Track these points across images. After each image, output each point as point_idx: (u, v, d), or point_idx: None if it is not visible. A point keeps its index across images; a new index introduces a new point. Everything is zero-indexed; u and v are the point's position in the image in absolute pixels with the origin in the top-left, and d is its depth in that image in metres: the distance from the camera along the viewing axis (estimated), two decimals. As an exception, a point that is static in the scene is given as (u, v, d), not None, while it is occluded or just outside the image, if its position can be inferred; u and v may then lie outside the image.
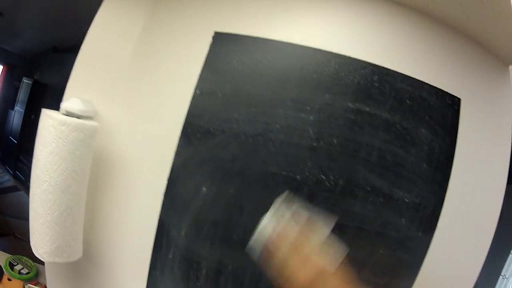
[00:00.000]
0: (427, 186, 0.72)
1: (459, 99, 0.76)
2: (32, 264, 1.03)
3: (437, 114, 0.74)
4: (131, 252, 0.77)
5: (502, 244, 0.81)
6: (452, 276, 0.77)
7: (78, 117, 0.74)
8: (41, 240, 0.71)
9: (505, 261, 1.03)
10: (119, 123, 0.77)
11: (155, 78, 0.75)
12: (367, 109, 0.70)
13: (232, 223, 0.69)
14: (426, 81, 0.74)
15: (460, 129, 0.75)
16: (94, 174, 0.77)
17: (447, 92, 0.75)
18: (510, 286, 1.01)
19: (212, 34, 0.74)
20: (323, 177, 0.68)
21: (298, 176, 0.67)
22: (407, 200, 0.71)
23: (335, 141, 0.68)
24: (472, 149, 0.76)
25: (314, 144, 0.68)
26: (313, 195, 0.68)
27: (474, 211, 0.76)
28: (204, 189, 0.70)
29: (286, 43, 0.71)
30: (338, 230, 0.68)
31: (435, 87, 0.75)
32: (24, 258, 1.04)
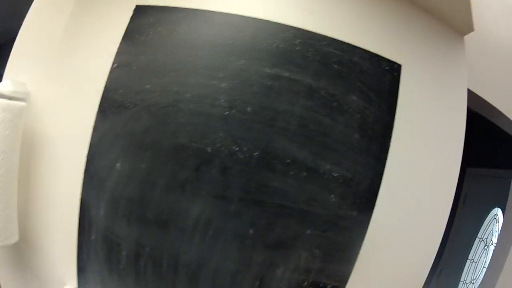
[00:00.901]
0: (360, 159, 0.61)
1: (399, 65, 0.65)
2: None
3: (371, 80, 0.63)
4: (60, 234, 0.73)
5: (468, 229, 0.67)
6: (401, 261, 0.64)
7: (10, 98, 0.73)
8: None
9: (471, 246, 0.86)
10: (47, 102, 0.74)
11: (80, 54, 0.72)
12: (287, 74, 0.62)
13: (146, 201, 0.63)
14: (359, 45, 0.65)
15: (400, 97, 0.64)
16: (25, 156, 0.74)
17: (383, 57, 0.65)
18: (478, 270, 0.84)
19: (133, 7, 0.70)
20: (236, 148, 0.59)
21: (209, 148, 0.60)
22: (335, 174, 0.60)
23: (249, 109, 0.60)
24: (417, 118, 0.64)
25: (226, 113, 0.60)
26: (226, 168, 0.59)
27: (423, 188, 0.64)
28: (118, 165, 0.64)
29: (202, 10, 0.65)
30: (256, 208, 0.59)
31: (369, 52, 0.64)
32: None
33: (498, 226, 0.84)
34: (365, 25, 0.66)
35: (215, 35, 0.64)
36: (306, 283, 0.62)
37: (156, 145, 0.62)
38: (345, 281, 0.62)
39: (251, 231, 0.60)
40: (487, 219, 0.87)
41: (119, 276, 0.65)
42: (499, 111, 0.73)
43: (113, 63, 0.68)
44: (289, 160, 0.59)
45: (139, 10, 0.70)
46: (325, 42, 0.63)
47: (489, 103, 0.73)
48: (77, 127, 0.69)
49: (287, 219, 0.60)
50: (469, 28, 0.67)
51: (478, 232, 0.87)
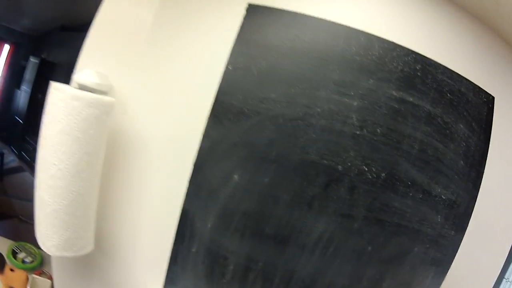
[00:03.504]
0: (462, 184, 0.60)
1: (493, 97, 0.64)
2: (37, 251, 0.80)
3: (474, 110, 0.62)
4: (148, 244, 0.59)
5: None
6: (476, 276, 0.65)
7: (92, 91, 0.55)
8: (48, 231, 0.53)
9: (509, 263, 0.94)
10: (137, 99, 0.58)
11: (178, 49, 0.57)
12: (411, 99, 0.57)
13: (266, 216, 0.53)
14: (465, 76, 0.62)
15: (493, 128, 0.64)
16: (108, 157, 0.58)
17: (482, 89, 0.63)
18: None
19: (245, 6, 0.58)
20: (366, 168, 0.54)
21: (339, 166, 0.53)
22: (444, 197, 0.58)
23: (378, 131, 0.54)
24: (504, 148, 0.65)
25: (358, 132, 0.54)
26: (354, 187, 0.53)
27: (502, 212, 0.65)
28: (235, 176, 0.54)
29: (327, 21, 0.56)
30: (377, 226, 0.55)
31: (473, 83, 0.62)
32: (28, 245, 0.80)
33: None
34: (467, 55, 0.64)
35: (343, 50, 0.55)
36: (405, 294, 0.60)
37: (283, 159, 0.52)
38: (435, 292, 0.62)
39: (369, 248, 0.55)
40: None
41: (223, 290, 0.55)
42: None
43: (228, 64, 0.55)
44: (409, 183, 0.55)
45: (253, 10, 0.57)
46: (440, 70, 0.59)
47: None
48: (180, 130, 0.56)
49: (401, 237, 0.56)
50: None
51: None
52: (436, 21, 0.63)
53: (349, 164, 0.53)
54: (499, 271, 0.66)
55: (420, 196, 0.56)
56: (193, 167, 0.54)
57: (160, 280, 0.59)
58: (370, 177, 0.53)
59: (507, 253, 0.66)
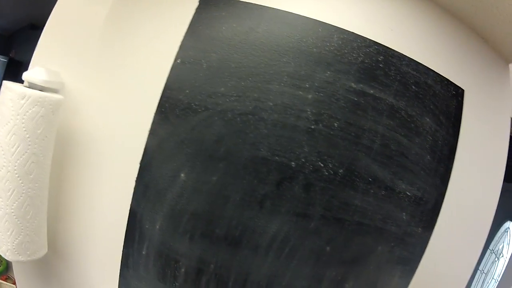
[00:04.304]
0: (429, 179, 0.56)
1: (463, 90, 0.60)
2: (2, 257, 0.77)
3: (442, 103, 0.57)
4: (100, 247, 0.56)
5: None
6: (448, 274, 0.61)
7: (42, 89, 0.52)
8: (3, 235, 0.50)
9: (482, 257, 0.91)
10: (89, 97, 0.55)
11: (130, 44, 0.53)
12: (372, 91, 0.53)
13: (215, 216, 0.50)
14: (432, 68, 0.58)
15: (463, 122, 0.60)
16: (59, 157, 0.55)
17: (451, 82, 0.59)
18: (487, 281, 0.89)
19: (199, -3, 0.54)
20: (321, 164, 0.49)
21: (293, 163, 0.49)
22: (409, 194, 0.54)
23: (336, 125, 0.50)
24: (473, 143, 0.60)
25: (312, 127, 0.49)
26: (309, 184, 0.49)
27: (472, 208, 0.61)
28: (182, 175, 0.50)
29: (284, 11, 0.52)
30: (335, 225, 0.51)
31: (441, 75, 0.58)
32: (-9, 248, 0.78)
33: (509, 239, 0.88)
34: (435, 47, 0.59)
35: (299, 42, 0.51)
36: (370, 296, 0.56)
37: (232, 156, 0.49)
38: (402, 293, 0.58)
39: (328, 248, 0.51)
40: (499, 232, 0.90)
41: (177, 295, 0.52)
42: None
43: (176, 58, 0.51)
44: (371, 179, 0.51)
45: (207, 2, 0.54)
46: (404, 62, 0.55)
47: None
48: (128, 128, 0.52)
49: (363, 236, 0.52)
50: (514, 59, 0.64)
51: (490, 244, 0.90)
52: (402, 11, 0.58)
53: (303, 160, 0.49)
54: (474, 265, 0.62)
55: (383, 193, 0.52)
56: (139, 166, 0.51)
57: (114, 284, 0.56)
58: (327, 173, 0.49)
59: (481, 248, 0.62)
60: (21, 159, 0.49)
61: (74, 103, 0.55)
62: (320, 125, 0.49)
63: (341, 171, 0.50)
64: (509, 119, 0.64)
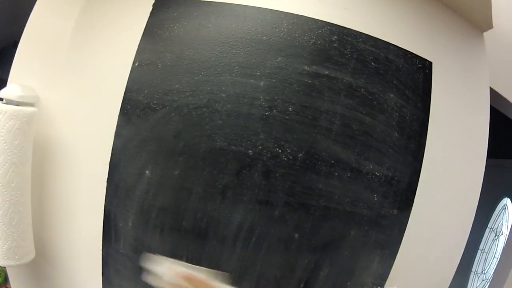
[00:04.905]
0: (400, 157, 0.53)
1: (430, 63, 0.57)
2: (1, 268, 0.76)
3: (407, 77, 0.55)
4: (82, 248, 0.58)
5: (478, 219, 0.62)
6: (435, 256, 0.57)
7: (18, 104, 0.56)
8: None
9: (482, 236, 0.83)
10: (60, 107, 0.58)
11: (92, 52, 0.56)
12: (326, 72, 0.51)
13: (181, 209, 0.50)
14: (393, 42, 0.56)
15: (433, 94, 0.56)
16: (38, 165, 0.58)
17: (416, 54, 0.56)
18: (489, 260, 0.81)
19: (153, 1, 0.56)
20: (279, 150, 0.49)
21: (250, 151, 0.48)
22: (378, 174, 0.52)
23: (290, 109, 0.49)
24: (448, 116, 0.56)
25: (267, 113, 0.49)
26: (269, 171, 0.48)
27: (454, 185, 0.57)
28: (147, 172, 0.51)
29: (231, 4, 0.53)
30: (301, 211, 0.49)
31: (403, 49, 0.55)
32: (-9, 261, 0.80)
33: (507, 216, 0.81)
34: (395, 22, 0.57)
35: (248, 31, 0.52)
36: (349, 283, 0.53)
37: (191, 150, 0.49)
38: (385, 278, 0.54)
39: (296, 235, 0.50)
40: (496, 209, 0.84)
41: (152, 289, 0.52)
42: (507, 100, 0.68)
43: (134, 62, 0.53)
44: (333, 161, 0.49)
45: (160, 4, 0.55)
46: (361, 39, 0.53)
47: (497, 92, 0.66)
48: (96, 132, 0.54)
49: (332, 221, 0.50)
50: (488, 25, 0.60)
51: (489, 222, 0.84)
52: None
53: (260, 147, 0.48)
54: (464, 244, 0.57)
55: (348, 175, 0.50)
56: (109, 167, 0.53)
57: (99, 284, 0.58)
58: (286, 159, 0.48)
59: (470, 226, 0.57)
60: (3, 169, 0.53)
61: (48, 113, 0.58)
62: (274, 111, 0.49)
63: (300, 155, 0.48)
64: (488, 89, 0.59)
